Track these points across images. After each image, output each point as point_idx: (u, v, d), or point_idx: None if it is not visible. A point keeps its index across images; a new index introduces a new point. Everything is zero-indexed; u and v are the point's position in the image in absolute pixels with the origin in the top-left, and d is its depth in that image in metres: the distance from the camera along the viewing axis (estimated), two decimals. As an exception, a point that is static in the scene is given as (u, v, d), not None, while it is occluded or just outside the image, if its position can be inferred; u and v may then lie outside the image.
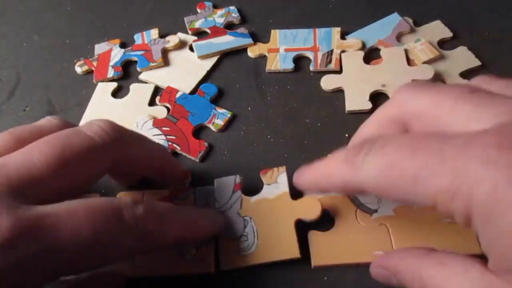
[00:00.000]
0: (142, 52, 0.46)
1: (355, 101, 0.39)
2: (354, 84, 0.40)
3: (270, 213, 0.31)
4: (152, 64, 0.45)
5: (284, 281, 0.29)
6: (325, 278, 0.29)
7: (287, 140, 0.37)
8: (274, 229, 0.30)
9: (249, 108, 0.40)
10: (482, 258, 0.28)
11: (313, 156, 0.35)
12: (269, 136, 0.37)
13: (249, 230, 0.30)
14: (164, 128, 0.38)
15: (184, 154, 0.37)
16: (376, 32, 0.45)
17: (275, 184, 0.32)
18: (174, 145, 0.37)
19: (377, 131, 0.27)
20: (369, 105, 0.38)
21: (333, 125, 0.38)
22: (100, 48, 0.48)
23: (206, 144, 0.37)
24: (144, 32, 0.48)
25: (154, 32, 0.48)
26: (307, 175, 0.28)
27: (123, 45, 0.48)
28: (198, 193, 0.33)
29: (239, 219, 0.31)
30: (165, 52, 0.46)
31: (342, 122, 0.38)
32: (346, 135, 0.37)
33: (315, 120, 0.38)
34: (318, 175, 0.27)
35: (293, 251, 0.29)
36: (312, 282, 0.29)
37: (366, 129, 0.28)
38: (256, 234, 0.30)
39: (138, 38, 0.48)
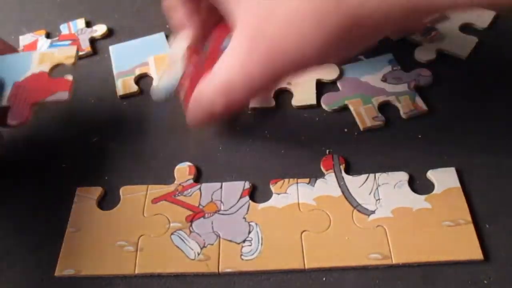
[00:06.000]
0: (70, 41, 0.45)
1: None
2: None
3: (277, 222, 0.30)
4: (81, 53, 0.44)
5: (283, 281, 0.29)
6: (324, 279, 0.28)
7: (285, 136, 0.36)
8: (280, 237, 0.30)
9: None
10: (483, 263, 0.28)
11: (312, 153, 0.35)
12: (266, 132, 0.37)
13: (254, 235, 0.30)
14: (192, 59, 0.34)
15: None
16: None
17: (285, 194, 0.32)
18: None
19: None
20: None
21: (333, 120, 0.37)
22: (24, 39, 0.47)
23: None
24: (70, 22, 0.48)
25: (80, 22, 0.48)
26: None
27: (48, 36, 0.47)
28: (204, 189, 0.33)
29: (243, 224, 0.31)
30: (93, 42, 0.46)
31: (341, 118, 0.37)
32: (345, 129, 0.36)
33: (313, 116, 0.37)
34: None
35: (298, 262, 0.29)
36: (311, 282, 0.28)
37: None
38: (261, 240, 0.30)
39: (64, 28, 0.48)
